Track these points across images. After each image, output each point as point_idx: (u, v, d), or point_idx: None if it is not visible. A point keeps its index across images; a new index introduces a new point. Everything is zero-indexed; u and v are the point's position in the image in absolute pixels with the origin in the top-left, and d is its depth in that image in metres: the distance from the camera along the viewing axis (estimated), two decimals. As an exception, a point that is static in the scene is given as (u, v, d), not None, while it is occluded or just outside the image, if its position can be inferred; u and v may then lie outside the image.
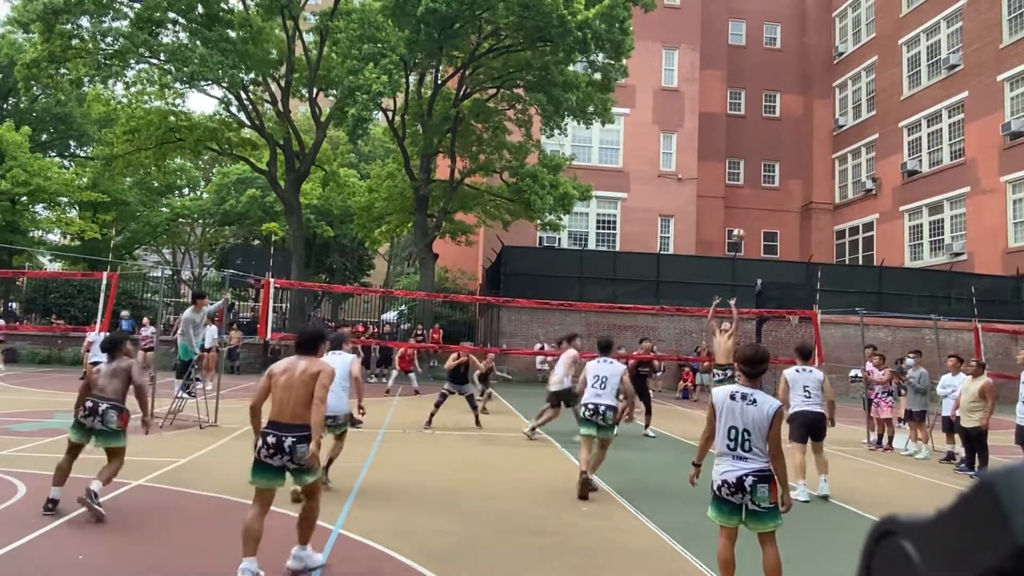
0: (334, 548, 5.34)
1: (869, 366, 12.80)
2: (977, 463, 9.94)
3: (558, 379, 10.90)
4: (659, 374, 20.65)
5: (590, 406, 7.67)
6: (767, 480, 4.23)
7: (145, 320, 20.82)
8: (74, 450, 6.07)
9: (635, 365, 12.73)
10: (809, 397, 7.99)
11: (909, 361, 13.64)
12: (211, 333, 13.17)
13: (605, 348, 8.27)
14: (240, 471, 7.89)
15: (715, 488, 4.32)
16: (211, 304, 13.08)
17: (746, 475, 4.20)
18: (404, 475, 8.08)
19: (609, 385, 7.69)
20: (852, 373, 20.34)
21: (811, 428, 8.01)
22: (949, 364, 11.35)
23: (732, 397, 4.35)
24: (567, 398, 10.78)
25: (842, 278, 26.61)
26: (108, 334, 7.95)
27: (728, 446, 4.31)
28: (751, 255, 33.74)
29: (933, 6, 30.61)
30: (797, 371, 8.22)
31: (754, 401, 4.30)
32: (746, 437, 4.27)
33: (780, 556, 4.32)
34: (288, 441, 4.48)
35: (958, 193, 28.75)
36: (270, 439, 4.50)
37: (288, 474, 4.58)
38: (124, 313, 22.06)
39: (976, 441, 9.90)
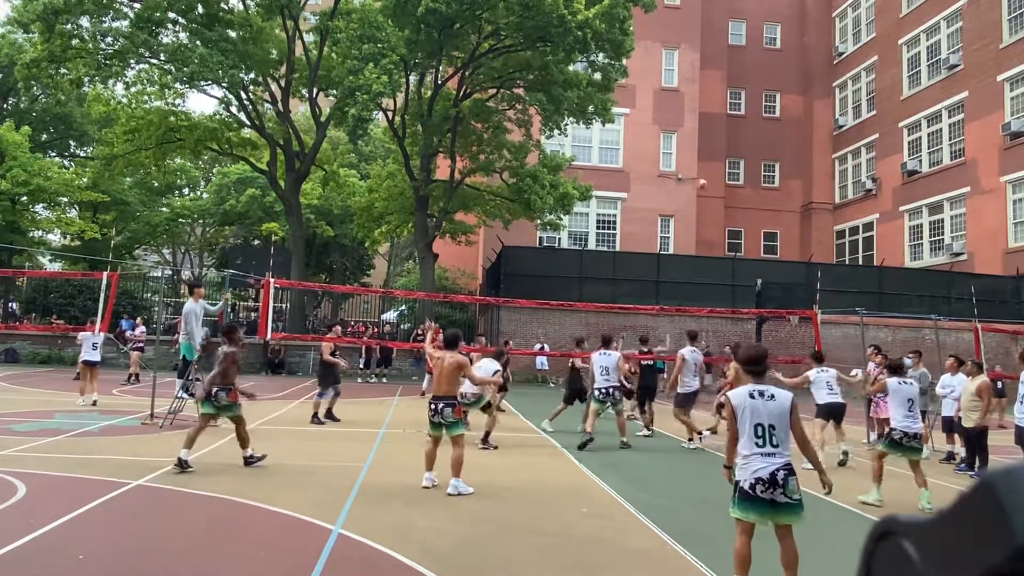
0: (334, 548, 5.33)
1: (871, 366, 12.77)
2: (977, 463, 9.94)
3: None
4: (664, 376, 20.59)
5: (603, 389, 10.42)
6: (794, 473, 4.41)
7: (137, 320, 20.85)
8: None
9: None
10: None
11: (907, 361, 13.60)
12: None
13: (607, 342, 10.94)
14: (240, 471, 7.90)
15: (747, 487, 4.38)
16: (213, 305, 13.08)
17: (778, 469, 4.35)
18: (404, 475, 8.08)
19: (612, 372, 10.51)
20: (853, 372, 20.31)
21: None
22: (948, 364, 11.35)
23: (752, 396, 4.49)
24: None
25: (842, 278, 26.59)
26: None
27: (757, 443, 4.41)
28: (751, 255, 33.74)
29: (933, 6, 30.60)
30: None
31: (772, 396, 4.47)
32: (772, 432, 4.41)
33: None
34: (440, 405, 7.38)
35: (958, 193, 28.74)
36: (432, 405, 7.45)
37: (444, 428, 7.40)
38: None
39: (976, 441, 9.89)
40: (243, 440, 8.31)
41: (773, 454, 4.37)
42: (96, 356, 13.58)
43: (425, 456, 7.59)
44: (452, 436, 7.35)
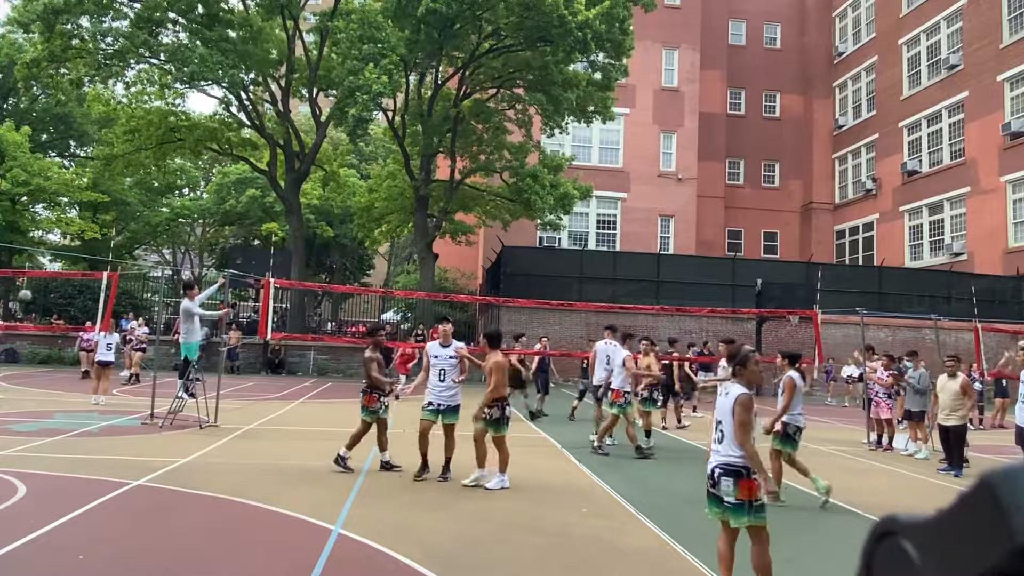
0: (334, 548, 5.33)
1: (875, 368, 12.75)
2: (960, 461, 9.92)
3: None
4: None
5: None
6: (732, 474, 4.22)
7: (140, 320, 20.85)
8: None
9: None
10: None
11: (907, 363, 13.60)
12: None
13: (612, 329, 10.98)
14: (240, 471, 7.90)
15: (707, 482, 4.43)
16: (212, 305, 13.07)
17: (716, 467, 4.31)
18: (404, 475, 8.09)
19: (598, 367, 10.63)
20: (847, 373, 20.32)
21: None
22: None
23: (721, 394, 4.51)
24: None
25: (842, 278, 26.59)
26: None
27: (715, 438, 4.42)
28: (751, 255, 33.74)
29: (933, 6, 30.60)
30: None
31: (727, 392, 4.43)
32: (719, 427, 4.37)
33: (769, 555, 4.32)
34: (503, 404, 7.65)
35: (958, 193, 28.74)
36: (504, 406, 7.60)
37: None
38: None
39: (954, 439, 9.91)
40: (381, 444, 8.30)
41: (717, 451, 4.34)
42: (110, 356, 14.02)
43: (479, 453, 7.72)
44: (500, 435, 7.62)
